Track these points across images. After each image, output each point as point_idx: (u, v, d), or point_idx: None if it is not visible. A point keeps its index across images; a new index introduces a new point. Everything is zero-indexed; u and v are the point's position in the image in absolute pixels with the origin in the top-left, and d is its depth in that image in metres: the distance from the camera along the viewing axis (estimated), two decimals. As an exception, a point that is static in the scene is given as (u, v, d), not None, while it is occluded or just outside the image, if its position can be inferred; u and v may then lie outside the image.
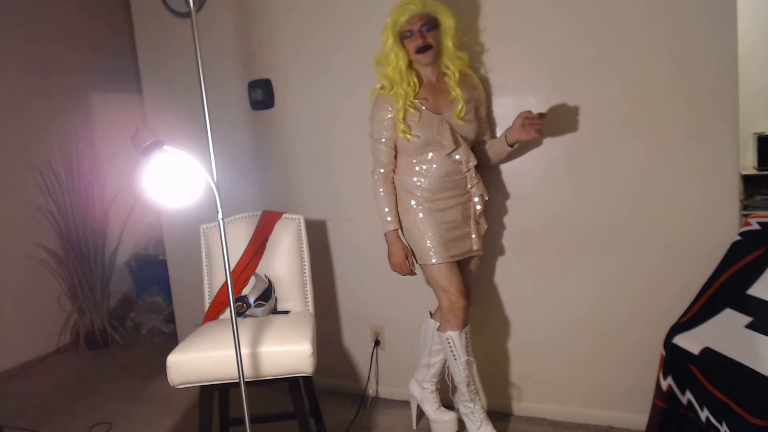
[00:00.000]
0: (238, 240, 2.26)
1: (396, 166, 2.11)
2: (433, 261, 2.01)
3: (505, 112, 2.24)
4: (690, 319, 1.80)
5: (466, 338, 2.06)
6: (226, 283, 1.91)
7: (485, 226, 2.11)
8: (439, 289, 2.05)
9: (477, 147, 2.15)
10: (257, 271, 2.24)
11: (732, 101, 1.93)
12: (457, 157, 2.01)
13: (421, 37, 1.94)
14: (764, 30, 3.62)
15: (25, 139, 3.45)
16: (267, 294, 2.19)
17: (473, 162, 2.03)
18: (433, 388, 2.29)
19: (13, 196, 3.40)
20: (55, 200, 3.52)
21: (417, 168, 2.04)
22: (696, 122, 1.99)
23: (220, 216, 1.56)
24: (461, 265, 2.10)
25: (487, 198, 2.08)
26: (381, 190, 2.10)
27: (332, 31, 2.49)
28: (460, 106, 2.00)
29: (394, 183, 2.11)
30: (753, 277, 1.76)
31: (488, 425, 2.09)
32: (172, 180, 1.51)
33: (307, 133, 2.62)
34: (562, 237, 2.24)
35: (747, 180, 3.57)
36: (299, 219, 2.30)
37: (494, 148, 2.14)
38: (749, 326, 1.65)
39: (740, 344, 1.61)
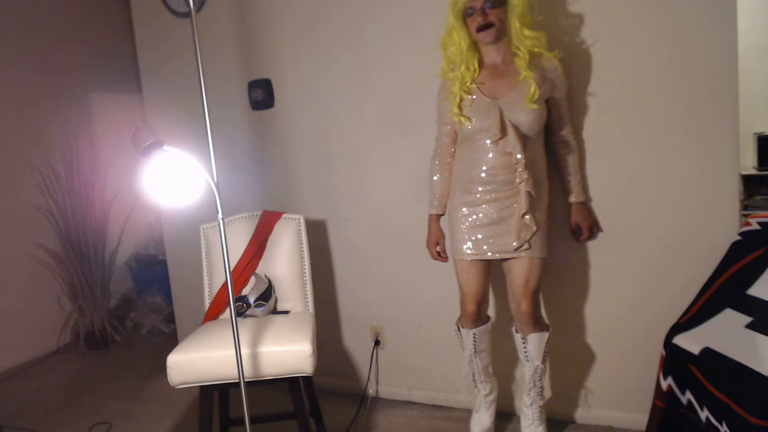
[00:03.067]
0: (238, 240, 2.26)
1: (455, 153, 2.07)
2: (457, 256, 2.03)
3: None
4: (690, 319, 1.80)
5: (475, 338, 2.09)
6: (226, 283, 1.91)
7: (534, 228, 1.91)
8: (459, 285, 2.08)
9: (552, 140, 2.04)
10: (257, 271, 2.24)
11: (732, 101, 1.93)
12: (508, 149, 1.88)
13: (482, 14, 1.82)
14: (764, 30, 3.62)
15: (24, 139, 3.45)
16: (267, 294, 2.19)
17: (522, 154, 1.87)
18: (528, 402, 2.09)
19: (13, 196, 3.40)
20: (55, 200, 3.52)
21: (467, 157, 1.97)
22: (696, 122, 1.99)
23: (220, 216, 1.56)
24: (509, 266, 1.99)
25: (534, 195, 1.91)
26: (433, 172, 2.11)
27: (332, 31, 2.49)
28: (532, 89, 1.84)
29: (451, 167, 2.07)
30: (753, 277, 1.76)
31: (486, 412, 2.20)
32: (172, 180, 1.51)
33: (307, 133, 2.62)
34: (561, 237, 2.24)
35: (747, 180, 3.58)
36: (299, 219, 2.30)
37: (566, 172, 2.08)
38: (749, 326, 1.65)
39: (740, 344, 1.61)
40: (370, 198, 2.54)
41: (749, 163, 3.74)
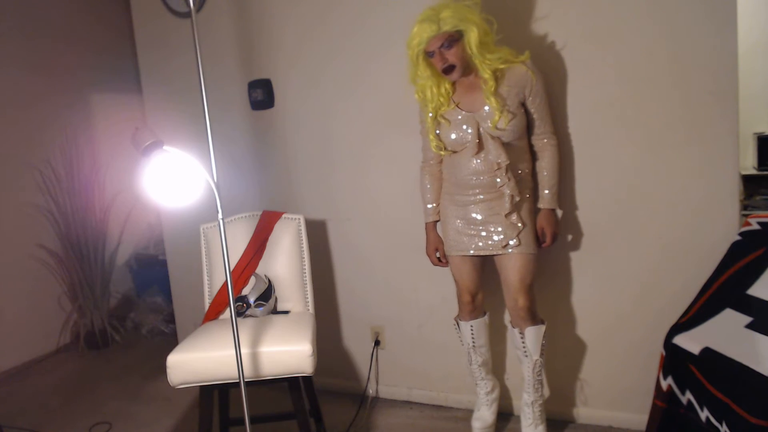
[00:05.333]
0: (238, 240, 2.26)
1: (442, 159, 2.12)
2: (448, 253, 2.11)
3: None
4: (690, 319, 1.80)
5: (473, 331, 2.14)
6: (226, 283, 1.91)
7: (519, 225, 1.97)
8: (453, 279, 2.16)
9: (532, 143, 2.05)
10: (257, 271, 2.24)
11: (732, 101, 1.93)
12: (490, 157, 1.94)
13: (442, 59, 1.88)
14: (764, 31, 3.62)
15: (25, 139, 3.45)
16: (267, 294, 2.19)
17: (504, 161, 1.92)
18: (529, 400, 2.10)
19: (13, 196, 3.40)
20: (55, 200, 3.52)
21: (454, 162, 2.03)
22: (696, 122, 1.99)
23: (220, 216, 1.56)
24: (501, 263, 2.03)
25: (517, 199, 1.97)
26: (423, 181, 2.18)
27: (332, 31, 2.49)
28: (497, 117, 1.91)
29: (440, 174, 2.14)
30: (753, 277, 1.76)
31: (488, 410, 2.23)
32: (172, 180, 1.51)
33: (307, 133, 2.62)
34: (561, 237, 2.24)
35: (747, 180, 3.57)
36: (299, 219, 2.30)
37: (539, 177, 2.06)
38: (749, 326, 1.65)
39: (740, 344, 1.61)
40: (370, 198, 2.54)
41: (749, 163, 3.73)
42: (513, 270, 2.01)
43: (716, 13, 1.91)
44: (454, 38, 1.86)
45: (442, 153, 2.04)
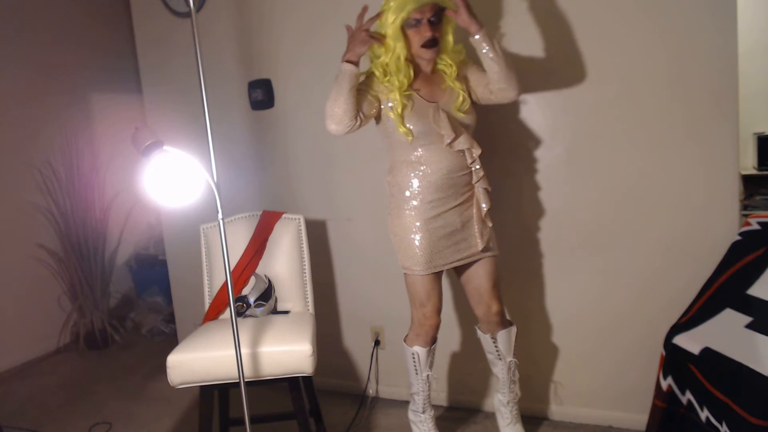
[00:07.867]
0: (238, 240, 2.26)
1: (391, 165, 1.96)
2: (417, 271, 1.90)
3: (506, 110, 2.23)
4: (690, 319, 1.80)
5: (433, 354, 2.03)
6: (226, 283, 1.91)
7: (490, 224, 1.92)
8: (416, 301, 1.96)
9: (490, 88, 1.87)
10: (257, 271, 2.24)
11: (732, 101, 1.93)
12: (460, 146, 1.83)
13: (431, 29, 1.76)
14: (764, 31, 3.62)
15: (25, 139, 3.46)
16: (267, 294, 2.19)
17: (477, 151, 1.86)
18: (505, 400, 2.08)
19: (13, 196, 3.40)
20: (55, 200, 3.52)
21: (414, 166, 1.87)
22: (696, 122, 1.99)
23: (220, 216, 1.56)
24: (471, 271, 1.96)
25: (489, 190, 1.92)
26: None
27: (333, 32, 2.48)
28: (460, 99, 1.84)
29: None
30: (753, 277, 1.76)
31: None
32: (172, 180, 1.52)
33: (307, 133, 2.62)
34: (561, 237, 2.24)
35: (747, 180, 3.57)
36: (299, 219, 2.30)
37: (484, 63, 1.83)
38: (749, 326, 1.65)
39: (740, 344, 1.61)
40: (371, 197, 2.54)
41: (749, 163, 3.74)
42: (486, 276, 1.94)
43: (716, 14, 1.91)
44: (441, 16, 1.79)
45: (402, 129, 1.82)
